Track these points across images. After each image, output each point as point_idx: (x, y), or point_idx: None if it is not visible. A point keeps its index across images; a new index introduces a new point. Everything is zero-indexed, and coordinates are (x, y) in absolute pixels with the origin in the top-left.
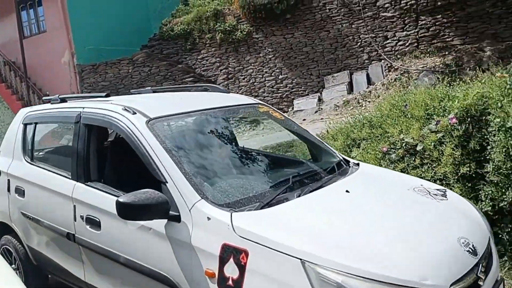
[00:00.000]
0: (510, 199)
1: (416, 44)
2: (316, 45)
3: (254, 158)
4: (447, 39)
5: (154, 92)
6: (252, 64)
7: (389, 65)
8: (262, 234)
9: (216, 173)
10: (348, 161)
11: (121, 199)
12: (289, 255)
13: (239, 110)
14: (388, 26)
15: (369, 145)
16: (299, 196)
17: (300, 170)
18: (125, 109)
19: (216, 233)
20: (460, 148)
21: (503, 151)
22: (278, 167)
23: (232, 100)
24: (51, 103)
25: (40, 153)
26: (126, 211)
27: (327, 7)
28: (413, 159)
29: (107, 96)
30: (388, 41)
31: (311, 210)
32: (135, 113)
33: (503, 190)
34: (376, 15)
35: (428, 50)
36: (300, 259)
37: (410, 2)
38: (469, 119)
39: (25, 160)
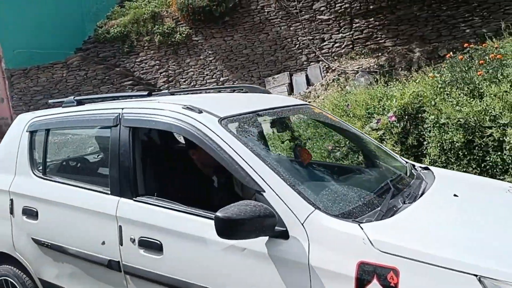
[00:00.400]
0: None
1: (351, 46)
2: (256, 47)
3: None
4: (380, 41)
5: (172, 94)
6: (193, 67)
7: (327, 66)
8: (415, 248)
9: (310, 179)
10: (414, 165)
11: (221, 214)
12: (460, 271)
13: (299, 110)
14: (324, 29)
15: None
16: (404, 202)
17: (388, 175)
18: (188, 108)
19: (347, 250)
20: (399, 144)
21: (438, 145)
22: (362, 171)
23: (286, 100)
24: (63, 107)
25: (55, 166)
26: (229, 229)
27: (266, 10)
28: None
29: (149, 95)
30: (325, 43)
31: (438, 218)
32: (201, 112)
33: None
34: (312, 18)
35: (363, 52)
36: (476, 275)
37: (344, 6)
38: (406, 116)
39: (35, 174)
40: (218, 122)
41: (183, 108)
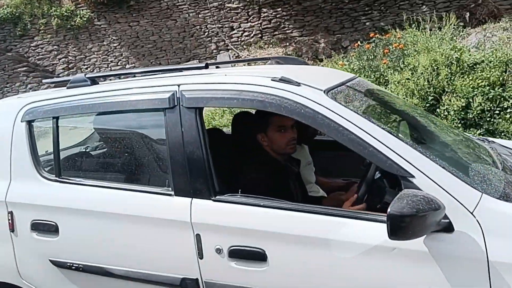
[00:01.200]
0: None
1: (260, 35)
2: (163, 34)
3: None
4: (287, 31)
5: (207, 66)
6: (96, 53)
7: (236, 55)
8: None
9: (444, 158)
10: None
11: (396, 210)
12: None
13: (360, 83)
14: (233, 17)
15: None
16: None
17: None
18: (283, 80)
19: None
20: None
21: None
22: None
23: (341, 72)
24: (69, 87)
25: (70, 163)
26: (405, 227)
27: None
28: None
29: (206, 67)
30: (234, 32)
31: None
32: (299, 85)
33: None
34: (221, 6)
35: (271, 41)
36: None
37: None
38: None
39: (43, 176)
40: (325, 95)
41: (273, 80)
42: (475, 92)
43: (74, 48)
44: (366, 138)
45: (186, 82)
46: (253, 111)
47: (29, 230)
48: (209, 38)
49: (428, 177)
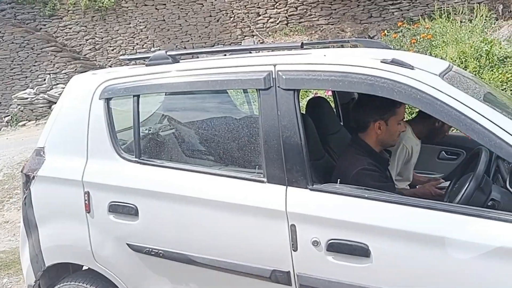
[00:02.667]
0: None
1: (286, 22)
2: (189, 18)
3: None
4: (313, 19)
5: (303, 47)
6: (122, 35)
7: (261, 41)
8: None
9: None
10: None
11: None
12: None
13: (460, 70)
14: (259, 3)
15: None
16: None
17: None
18: (393, 62)
19: None
20: None
21: None
22: None
23: (432, 58)
24: (148, 65)
25: (148, 144)
26: None
27: None
28: None
29: (302, 47)
30: (260, 18)
31: None
32: (413, 68)
33: None
34: None
35: (297, 29)
36: None
37: None
38: None
39: (122, 157)
40: (442, 79)
41: (383, 62)
42: (504, 87)
43: (101, 30)
44: (492, 128)
45: (283, 62)
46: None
47: (106, 212)
48: (235, 24)
49: None
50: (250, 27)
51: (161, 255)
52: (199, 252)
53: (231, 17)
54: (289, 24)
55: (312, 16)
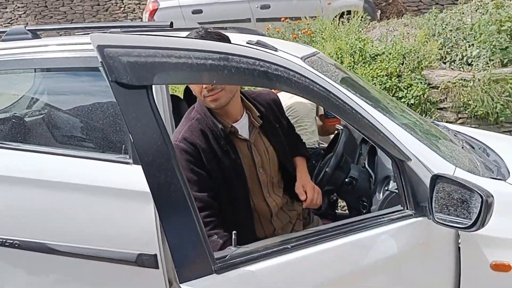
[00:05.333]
0: None
1: None
2: (75, 6)
3: None
4: None
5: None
6: None
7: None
8: None
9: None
10: None
11: None
12: None
13: (325, 57)
14: None
15: None
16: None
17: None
18: (258, 44)
19: None
20: None
21: None
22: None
23: (300, 45)
24: (4, 40)
25: (5, 127)
26: None
27: None
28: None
29: (171, 26)
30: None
31: None
32: (277, 50)
33: None
34: None
35: None
36: None
37: None
38: None
39: None
40: (303, 62)
41: (248, 43)
42: (374, 81)
43: None
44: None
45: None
46: None
47: None
48: (125, 15)
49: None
50: (141, 18)
51: (16, 245)
52: (59, 240)
53: (121, 7)
54: None
55: None
